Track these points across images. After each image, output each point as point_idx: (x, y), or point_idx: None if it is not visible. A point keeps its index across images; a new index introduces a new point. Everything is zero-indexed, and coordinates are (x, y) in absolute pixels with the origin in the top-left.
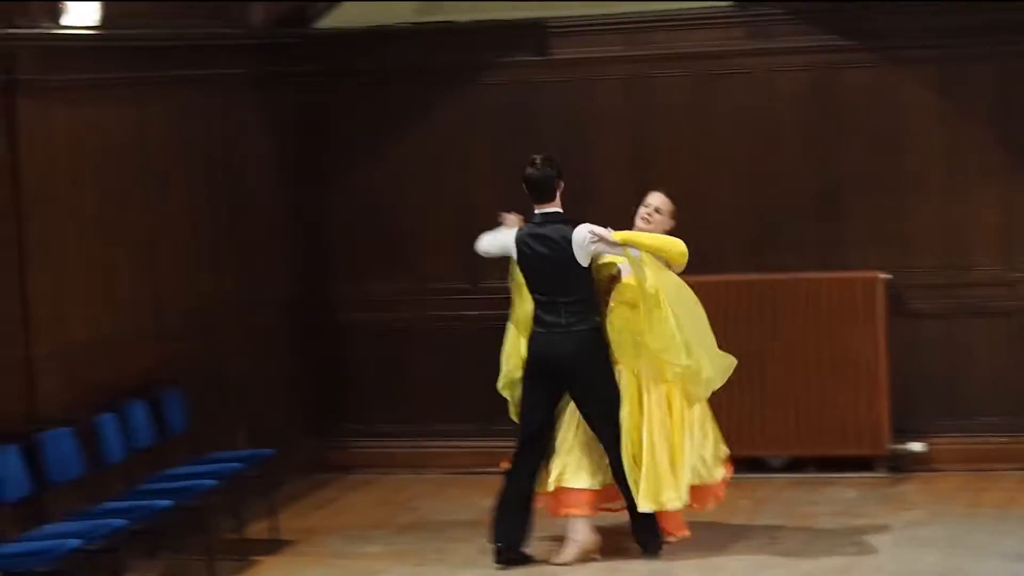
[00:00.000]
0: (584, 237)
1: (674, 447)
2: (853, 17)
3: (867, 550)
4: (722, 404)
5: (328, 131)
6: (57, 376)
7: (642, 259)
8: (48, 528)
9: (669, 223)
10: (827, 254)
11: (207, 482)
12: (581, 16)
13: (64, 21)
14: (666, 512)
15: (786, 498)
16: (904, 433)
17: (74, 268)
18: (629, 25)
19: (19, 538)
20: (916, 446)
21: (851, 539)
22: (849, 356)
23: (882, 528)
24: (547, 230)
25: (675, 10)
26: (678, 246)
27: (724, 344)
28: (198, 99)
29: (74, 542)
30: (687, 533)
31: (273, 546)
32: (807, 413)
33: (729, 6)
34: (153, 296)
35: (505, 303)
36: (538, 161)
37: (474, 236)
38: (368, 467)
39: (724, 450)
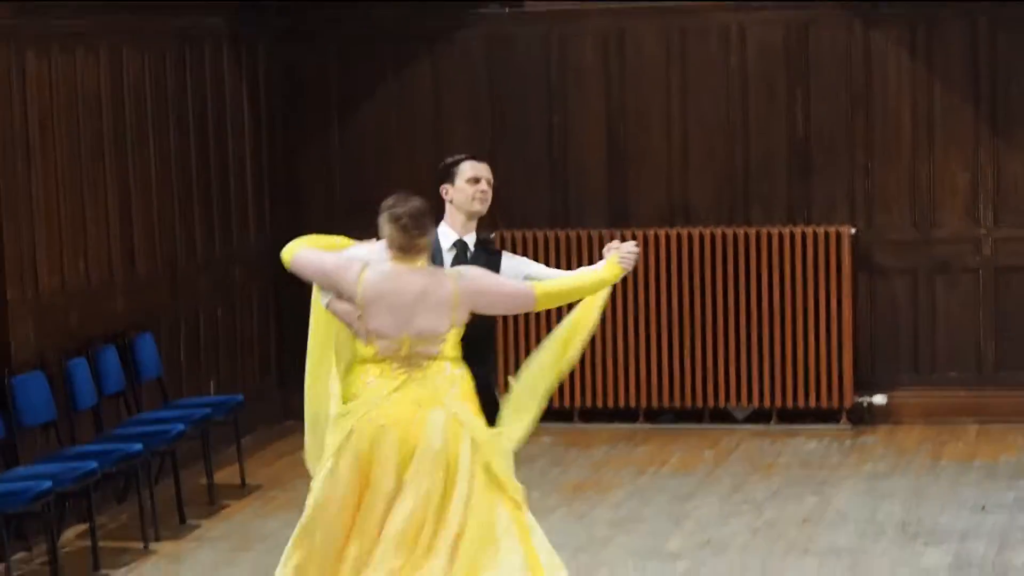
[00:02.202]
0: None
1: None
2: None
3: (828, 500)
4: (687, 355)
5: (305, 88)
6: (29, 322)
7: None
8: (20, 470)
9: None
10: (796, 209)
11: (177, 427)
12: None
13: None
14: None
15: (749, 448)
16: (867, 386)
17: (47, 217)
18: None
19: None
20: (879, 399)
21: (813, 489)
22: (814, 309)
23: (844, 479)
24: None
25: None
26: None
27: (689, 297)
28: (175, 53)
29: (46, 484)
30: None
31: (241, 491)
32: (771, 365)
33: None
34: (125, 246)
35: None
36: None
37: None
38: None
39: None
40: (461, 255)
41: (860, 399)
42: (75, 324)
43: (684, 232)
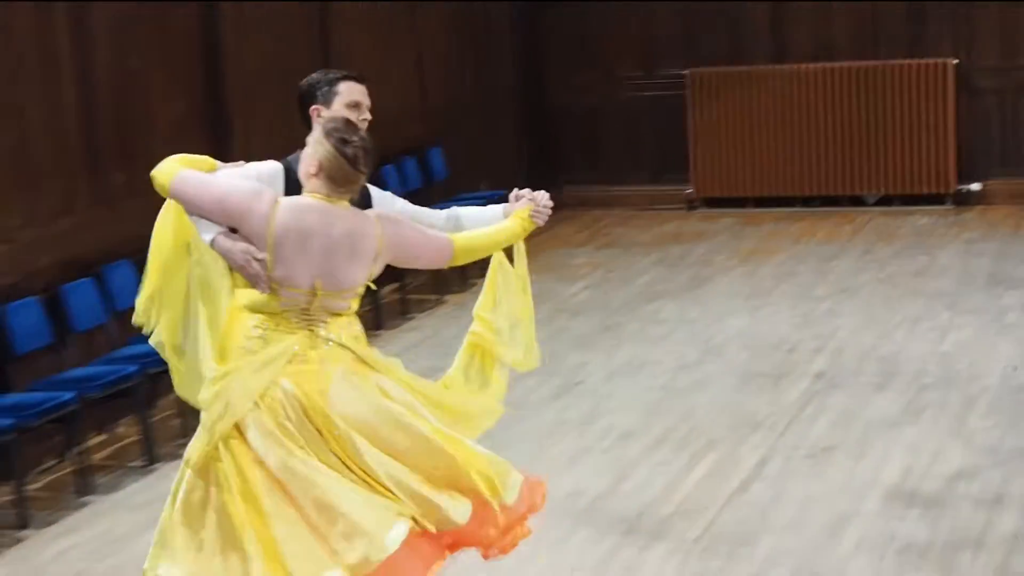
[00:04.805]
0: None
1: None
2: None
3: (936, 259)
4: (832, 155)
5: None
6: None
7: None
8: None
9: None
10: (912, 46)
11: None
12: None
13: None
14: None
15: (877, 224)
16: (967, 177)
17: (367, 67)
18: None
19: None
20: (975, 186)
21: (925, 251)
22: (926, 121)
23: (947, 243)
24: None
25: None
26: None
27: (834, 115)
28: None
29: None
30: None
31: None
32: (895, 162)
33: None
34: (420, 86)
35: (671, 85)
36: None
37: (650, 50)
38: (573, 206)
39: None
40: None
41: (961, 186)
42: (382, 144)
43: (826, 67)
